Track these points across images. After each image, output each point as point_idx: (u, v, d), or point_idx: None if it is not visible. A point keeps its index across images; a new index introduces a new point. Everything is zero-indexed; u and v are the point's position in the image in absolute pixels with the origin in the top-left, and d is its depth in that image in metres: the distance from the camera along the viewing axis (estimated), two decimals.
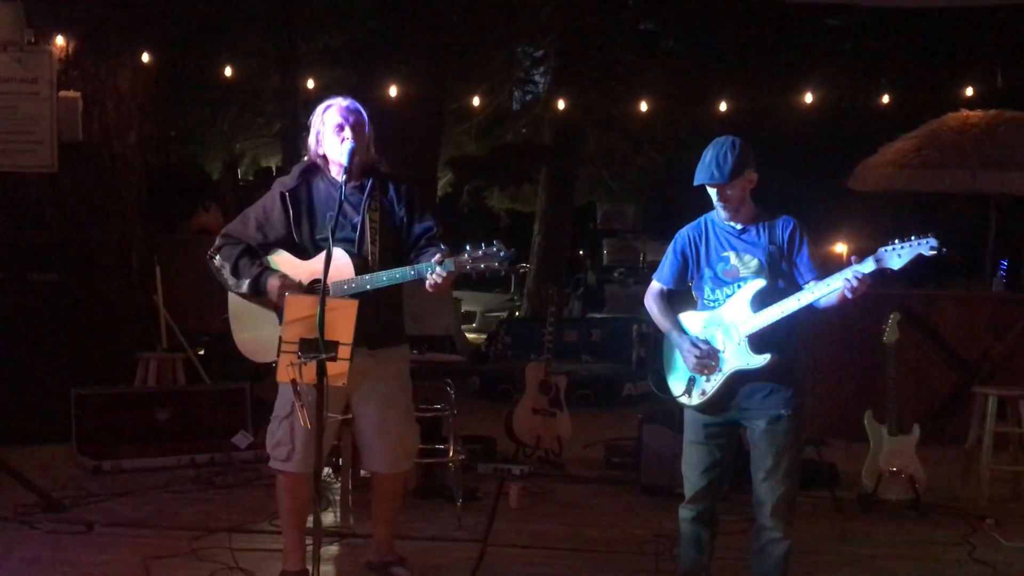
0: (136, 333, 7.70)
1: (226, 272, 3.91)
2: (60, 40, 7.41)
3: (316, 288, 3.67)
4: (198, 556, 4.49)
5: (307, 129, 3.99)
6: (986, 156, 7.76)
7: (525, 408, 6.61)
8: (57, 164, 7.26)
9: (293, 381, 3.41)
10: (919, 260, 3.44)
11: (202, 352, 8.69)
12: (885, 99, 10.01)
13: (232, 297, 4.00)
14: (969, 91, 9.47)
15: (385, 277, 3.74)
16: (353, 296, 3.65)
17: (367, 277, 3.76)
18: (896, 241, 3.44)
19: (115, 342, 7.50)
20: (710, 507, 3.87)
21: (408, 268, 3.73)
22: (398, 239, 3.98)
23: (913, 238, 3.41)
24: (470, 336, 14.17)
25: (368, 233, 3.87)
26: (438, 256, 3.62)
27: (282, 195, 3.92)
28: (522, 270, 15.04)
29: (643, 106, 10.66)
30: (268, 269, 3.88)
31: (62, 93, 7.30)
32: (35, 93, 7.27)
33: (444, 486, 5.65)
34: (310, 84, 11.14)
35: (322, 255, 3.68)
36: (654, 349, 9.90)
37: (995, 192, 8.03)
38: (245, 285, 3.86)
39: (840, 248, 16.27)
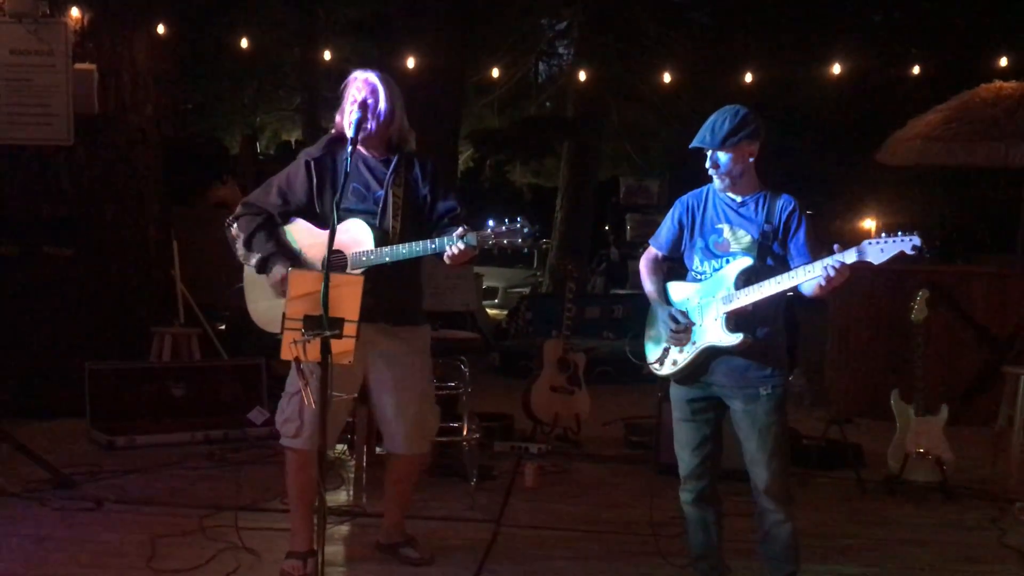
0: (152, 308, 7.64)
1: (240, 242, 3.90)
2: (75, 11, 7.32)
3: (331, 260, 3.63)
4: (206, 535, 4.42)
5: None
6: (1020, 129, 7.53)
7: (543, 386, 6.51)
8: (73, 137, 7.16)
9: (297, 359, 3.33)
10: (901, 256, 3.30)
11: (223, 327, 8.64)
12: (915, 70, 9.74)
13: (247, 269, 3.99)
14: (1003, 61, 9.19)
15: (405, 249, 3.71)
16: (371, 269, 3.65)
17: (387, 249, 3.72)
18: (883, 235, 3.31)
19: (131, 317, 7.45)
20: (708, 485, 3.76)
21: (428, 241, 3.68)
22: (420, 216, 3.94)
23: (900, 234, 3.27)
24: (492, 312, 14.07)
25: (390, 207, 3.84)
26: (460, 230, 3.59)
27: (307, 163, 3.91)
28: (544, 245, 14.92)
29: (668, 78, 10.45)
30: (278, 253, 3.85)
31: (77, 65, 7.20)
32: (50, 66, 7.15)
33: (458, 464, 5.56)
34: (330, 56, 11.02)
35: (341, 224, 3.71)
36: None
37: None
38: (254, 260, 3.87)
39: (869, 224, 15.98)
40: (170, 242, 7.81)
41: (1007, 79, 8.32)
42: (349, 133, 3.75)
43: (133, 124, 7.76)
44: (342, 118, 3.88)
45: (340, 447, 5.90)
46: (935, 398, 5.61)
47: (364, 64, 4.10)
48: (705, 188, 3.74)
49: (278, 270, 3.79)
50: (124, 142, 7.71)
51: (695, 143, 3.57)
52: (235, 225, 3.93)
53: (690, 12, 14.53)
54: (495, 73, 11.85)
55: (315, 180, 3.88)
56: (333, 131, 3.97)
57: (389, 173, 3.86)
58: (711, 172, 3.59)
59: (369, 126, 3.80)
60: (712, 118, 3.55)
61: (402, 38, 10.31)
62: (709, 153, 3.56)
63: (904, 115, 8.71)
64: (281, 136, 14.78)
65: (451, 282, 6.83)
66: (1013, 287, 7.81)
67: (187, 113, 9.78)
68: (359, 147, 3.85)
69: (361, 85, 3.84)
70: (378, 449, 5.34)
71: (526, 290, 15.06)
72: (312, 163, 3.89)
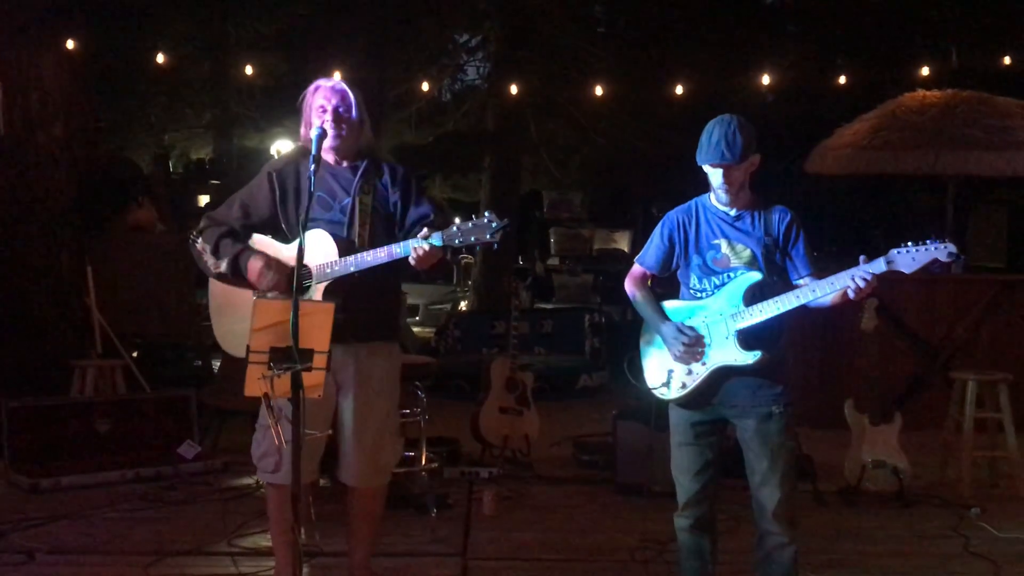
0: (68, 339, 7.23)
1: (207, 254, 3.70)
2: None
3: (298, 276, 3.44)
4: None
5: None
6: (947, 136, 7.67)
7: (492, 407, 6.31)
8: None
9: (265, 395, 3.08)
10: (935, 265, 3.24)
11: (135, 354, 8.24)
12: (841, 80, 9.89)
13: (213, 289, 3.80)
14: (924, 71, 9.40)
15: (370, 257, 3.51)
16: (341, 283, 3.50)
17: (351, 259, 3.52)
18: (910, 243, 3.25)
19: (46, 349, 7.05)
20: (707, 512, 3.64)
21: (393, 245, 3.49)
22: (390, 224, 3.73)
23: (929, 241, 3.22)
24: (415, 330, 13.81)
25: (358, 216, 3.65)
26: (425, 231, 3.41)
27: (268, 175, 3.73)
28: (463, 260, 14.70)
29: (588, 92, 10.41)
30: (249, 249, 3.68)
31: None
32: None
33: (412, 495, 5.34)
34: (242, 72, 10.71)
35: (305, 236, 3.47)
36: (609, 338, 9.50)
37: (956, 173, 7.94)
38: (224, 264, 3.65)
39: None
40: (84, 268, 7.40)
41: (929, 88, 8.48)
42: (311, 147, 3.48)
43: (42, 145, 7.40)
44: (306, 129, 3.72)
45: None
46: (888, 406, 5.62)
47: (276, 79, 3.95)
48: (693, 203, 3.62)
49: (253, 262, 3.61)
50: (33, 164, 7.35)
51: (711, 160, 3.41)
52: (200, 239, 3.75)
53: (609, 23, 14.55)
54: (416, 87, 11.67)
55: (278, 192, 3.70)
56: (300, 143, 3.80)
57: (356, 180, 3.68)
58: (721, 187, 3.45)
59: (343, 132, 3.64)
60: (718, 131, 3.40)
61: (315, 52, 10.03)
62: (720, 170, 3.42)
63: (830, 124, 8.80)
64: (190, 155, 14.30)
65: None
66: (941, 293, 7.92)
67: (99, 132, 9.31)
68: (325, 157, 3.66)
69: (329, 94, 3.66)
70: (321, 481, 5.10)
71: (447, 307, 14.83)
72: (274, 174, 3.72)
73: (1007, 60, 9.98)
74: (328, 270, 3.53)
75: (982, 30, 11.95)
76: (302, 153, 3.72)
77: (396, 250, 3.47)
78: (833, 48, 13.02)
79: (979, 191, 12.11)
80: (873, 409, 5.57)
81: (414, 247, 3.41)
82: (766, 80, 9.35)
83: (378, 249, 3.51)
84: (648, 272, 3.71)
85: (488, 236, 3.37)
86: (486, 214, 3.39)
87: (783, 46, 12.58)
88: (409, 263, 3.48)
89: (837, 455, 5.78)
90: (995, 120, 7.80)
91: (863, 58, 12.24)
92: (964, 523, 5.16)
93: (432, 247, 3.39)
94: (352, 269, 3.51)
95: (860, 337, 5.66)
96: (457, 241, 3.38)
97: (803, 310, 3.43)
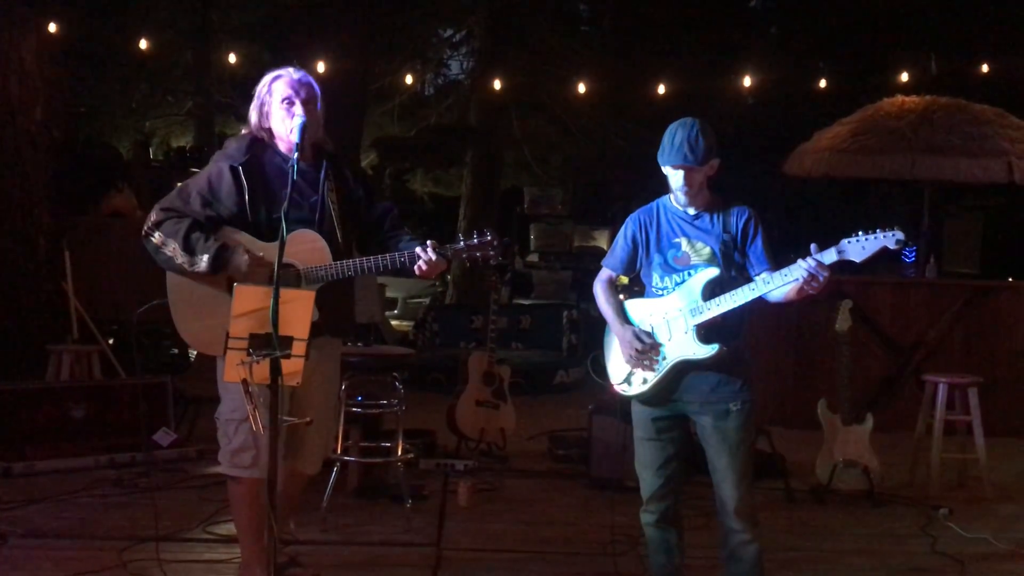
0: (45, 324, 7.19)
1: (171, 249, 3.48)
2: None
3: (287, 273, 3.39)
4: (128, 570, 4.11)
5: (250, 99, 3.66)
6: (924, 142, 7.75)
7: (468, 400, 6.34)
8: None
9: (244, 381, 3.09)
10: (883, 253, 3.29)
11: (111, 341, 8.20)
12: (822, 84, 9.97)
13: (172, 283, 3.57)
14: (904, 77, 9.50)
15: (370, 263, 3.50)
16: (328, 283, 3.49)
17: (351, 263, 3.49)
18: (859, 233, 3.28)
19: (23, 334, 7.03)
20: (672, 506, 3.68)
21: (397, 255, 3.50)
22: (357, 220, 3.72)
23: (878, 230, 3.25)
24: (393, 323, 13.81)
25: (328, 213, 3.58)
26: (432, 242, 3.46)
27: (233, 169, 3.55)
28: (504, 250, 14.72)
29: (571, 89, 10.45)
30: (230, 246, 3.49)
31: None
32: None
33: (387, 485, 5.36)
34: (225, 60, 10.69)
35: (291, 235, 3.40)
36: (587, 334, 9.58)
37: (932, 179, 8.02)
38: (203, 262, 3.45)
39: None
40: (62, 253, 7.37)
41: (907, 94, 8.56)
42: (294, 138, 3.42)
43: (21, 128, 7.36)
44: (263, 119, 3.60)
45: None
46: (860, 407, 5.69)
47: (259, 68, 3.82)
48: (655, 203, 3.67)
49: (241, 259, 3.45)
50: (11, 147, 7.31)
51: (673, 162, 3.45)
52: (157, 233, 3.50)
53: (592, 24, 14.60)
54: (398, 80, 11.67)
55: (246, 188, 3.54)
56: (246, 132, 3.67)
57: (322, 177, 3.60)
58: (682, 189, 3.50)
59: (311, 131, 3.52)
60: (680, 134, 3.44)
61: (298, 42, 10.01)
62: (682, 172, 3.46)
63: (809, 127, 8.88)
64: (171, 142, 14.21)
65: (356, 294, 6.60)
66: (915, 296, 8.02)
67: (79, 117, 9.26)
68: (280, 149, 3.61)
69: (296, 85, 3.55)
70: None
71: (426, 300, 14.84)
72: (239, 169, 3.55)
73: (985, 68, 10.09)
74: (322, 272, 3.47)
75: (961, 38, 12.08)
76: (257, 143, 3.62)
77: (400, 260, 3.48)
78: (814, 52, 13.13)
79: (955, 197, 12.22)
80: (845, 410, 5.64)
81: (422, 260, 3.43)
82: (747, 82, 9.42)
83: (384, 256, 3.50)
84: (614, 274, 3.76)
85: (491, 252, 3.49)
86: (487, 233, 3.50)
87: (765, 49, 12.65)
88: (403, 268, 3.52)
89: (809, 454, 5.85)
90: (972, 127, 7.89)
91: (844, 63, 12.35)
92: (932, 523, 5.23)
93: (441, 259, 3.45)
94: (350, 273, 3.49)
95: (834, 338, 5.73)
96: (464, 256, 3.49)
97: (772, 306, 3.48)
